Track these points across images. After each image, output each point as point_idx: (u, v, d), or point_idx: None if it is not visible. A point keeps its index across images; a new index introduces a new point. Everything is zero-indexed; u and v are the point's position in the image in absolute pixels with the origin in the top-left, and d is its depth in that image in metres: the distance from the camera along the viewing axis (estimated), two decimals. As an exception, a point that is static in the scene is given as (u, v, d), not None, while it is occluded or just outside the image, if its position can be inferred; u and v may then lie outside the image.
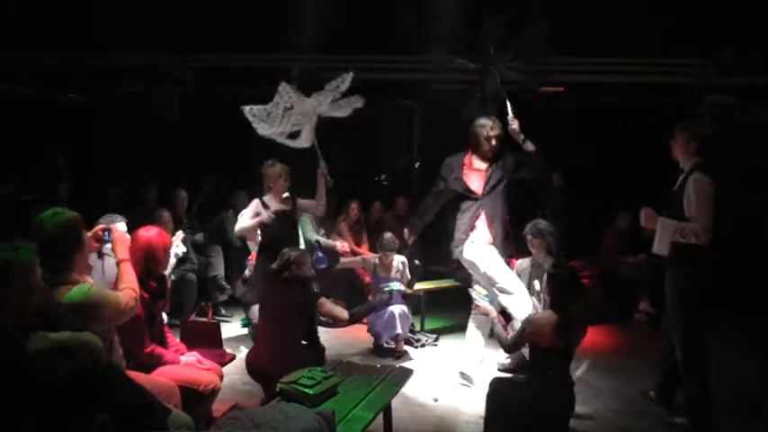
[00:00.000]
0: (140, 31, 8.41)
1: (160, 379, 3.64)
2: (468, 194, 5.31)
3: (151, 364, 3.84)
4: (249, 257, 6.73)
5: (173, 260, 4.95)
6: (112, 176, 9.02)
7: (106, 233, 3.67)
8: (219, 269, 7.68)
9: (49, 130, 9.28)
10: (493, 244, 5.28)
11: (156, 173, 9.01)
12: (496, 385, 3.98)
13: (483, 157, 5.32)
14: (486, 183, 5.28)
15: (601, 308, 7.47)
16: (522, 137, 5.23)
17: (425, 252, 8.07)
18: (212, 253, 7.76)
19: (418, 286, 7.32)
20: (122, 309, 3.22)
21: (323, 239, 7.80)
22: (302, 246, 7.37)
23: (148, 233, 3.97)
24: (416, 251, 7.67)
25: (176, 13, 8.30)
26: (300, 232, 7.55)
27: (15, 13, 8.37)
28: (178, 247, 4.92)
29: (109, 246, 3.70)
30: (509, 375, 4.29)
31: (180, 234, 5.10)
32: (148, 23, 8.31)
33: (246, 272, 6.61)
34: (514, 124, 5.23)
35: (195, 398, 3.79)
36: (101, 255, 4.23)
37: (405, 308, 6.42)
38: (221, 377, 4.18)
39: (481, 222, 5.30)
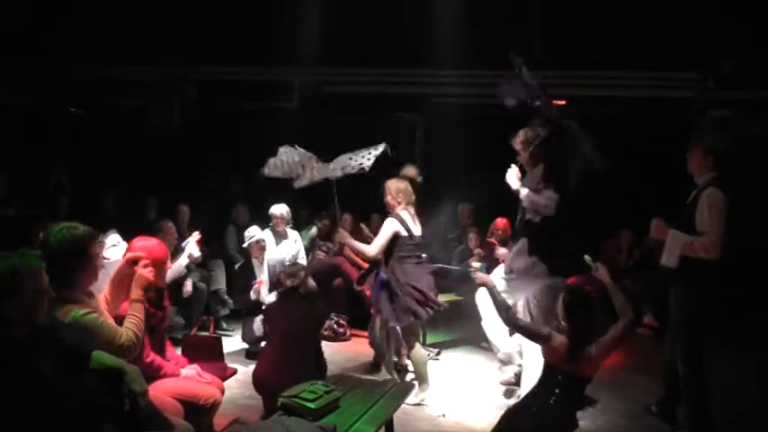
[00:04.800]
0: (142, 43, 8.45)
1: (162, 396, 3.61)
2: None
3: (151, 374, 3.79)
4: (256, 281, 6.63)
5: (185, 261, 4.94)
6: (113, 189, 9.02)
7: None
8: (221, 283, 7.65)
9: (50, 143, 9.30)
10: None
11: (157, 185, 9.03)
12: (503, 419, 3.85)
13: None
14: None
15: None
16: None
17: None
18: (213, 267, 7.73)
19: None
20: (116, 345, 3.09)
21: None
22: (303, 256, 7.42)
23: (146, 243, 3.88)
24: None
25: (178, 26, 8.35)
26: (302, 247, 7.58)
27: (16, 26, 8.41)
28: (193, 248, 4.90)
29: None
30: (514, 404, 4.10)
31: (196, 235, 5.06)
32: (150, 36, 8.34)
33: (252, 294, 6.52)
34: None
35: (196, 411, 3.76)
36: None
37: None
38: (222, 391, 4.15)
39: None
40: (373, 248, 5.49)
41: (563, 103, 8.62)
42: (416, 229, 5.54)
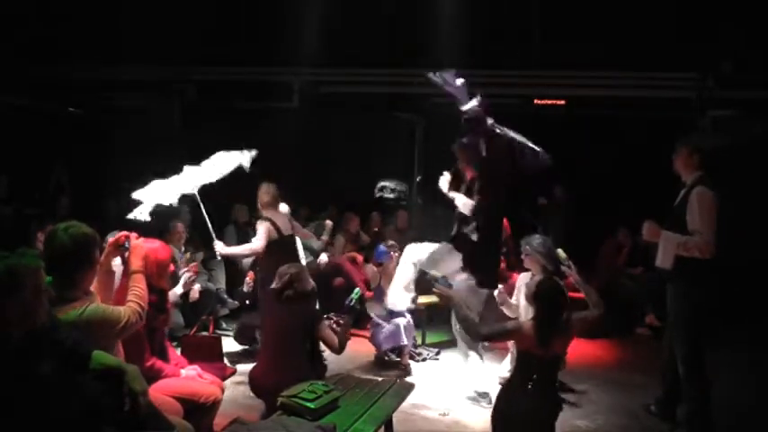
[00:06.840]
0: (142, 43, 8.45)
1: (162, 396, 3.61)
2: None
3: (151, 377, 3.79)
4: (247, 275, 6.69)
5: (180, 290, 4.97)
6: (113, 190, 9.02)
7: (127, 242, 3.56)
8: (221, 282, 7.66)
9: (50, 143, 9.30)
10: None
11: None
12: (495, 404, 3.88)
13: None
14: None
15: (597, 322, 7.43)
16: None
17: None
18: (213, 266, 7.73)
19: (419, 300, 7.29)
20: (122, 326, 3.10)
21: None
22: (302, 256, 7.41)
23: (150, 245, 3.86)
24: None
25: (178, 26, 8.35)
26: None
27: (16, 27, 8.42)
28: (190, 277, 4.96)
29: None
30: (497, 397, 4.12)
31: (193, 265, 5.11)
32: (150, 36, 8.34)
33: (244, 287, 6.56)
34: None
35: (196, 410, 3.76)
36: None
37: (410, 320, 6.39)
38: (222, 390, 4.16)
39: None
40: (256, 245, 5.93)
41: (562, 103, 8.69)
42: (286, 229, 6.13)
